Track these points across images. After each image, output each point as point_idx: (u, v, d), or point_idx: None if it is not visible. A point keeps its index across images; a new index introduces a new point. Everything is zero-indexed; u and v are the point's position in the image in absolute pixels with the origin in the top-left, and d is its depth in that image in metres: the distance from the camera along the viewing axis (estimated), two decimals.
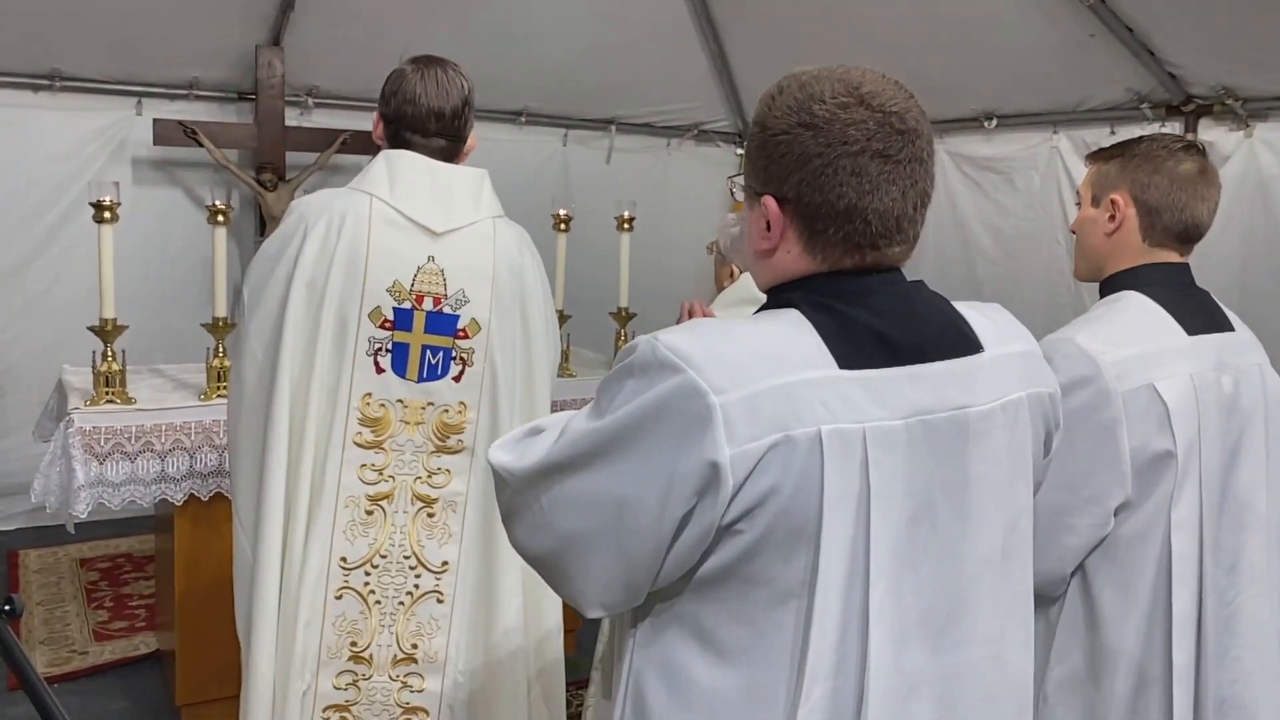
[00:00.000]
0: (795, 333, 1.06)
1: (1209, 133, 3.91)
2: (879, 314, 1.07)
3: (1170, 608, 1.58)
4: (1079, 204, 1.81)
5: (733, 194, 1.19)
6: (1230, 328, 1.73)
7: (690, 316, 1.58)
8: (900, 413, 1.05)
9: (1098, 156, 1.78)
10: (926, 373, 1.08)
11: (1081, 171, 4.33)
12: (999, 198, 4.60)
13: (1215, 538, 1.63)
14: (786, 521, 1.01)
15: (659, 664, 1.10)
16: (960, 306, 1.17)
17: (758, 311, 1.14)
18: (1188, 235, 1.71)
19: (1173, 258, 1.72)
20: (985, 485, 1.11)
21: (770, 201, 1.09)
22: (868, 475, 1.03)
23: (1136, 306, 1.67)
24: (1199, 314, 1.70)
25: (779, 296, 1.12)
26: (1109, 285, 1.74)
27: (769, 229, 1.10)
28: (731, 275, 2.32)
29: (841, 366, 1.03)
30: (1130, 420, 1.56)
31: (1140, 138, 1.76)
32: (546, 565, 1.15)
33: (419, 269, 2.00)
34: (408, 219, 1.99)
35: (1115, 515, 1.59)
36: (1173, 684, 1.58)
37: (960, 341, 1.12)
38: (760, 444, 0.99)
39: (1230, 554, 1.65)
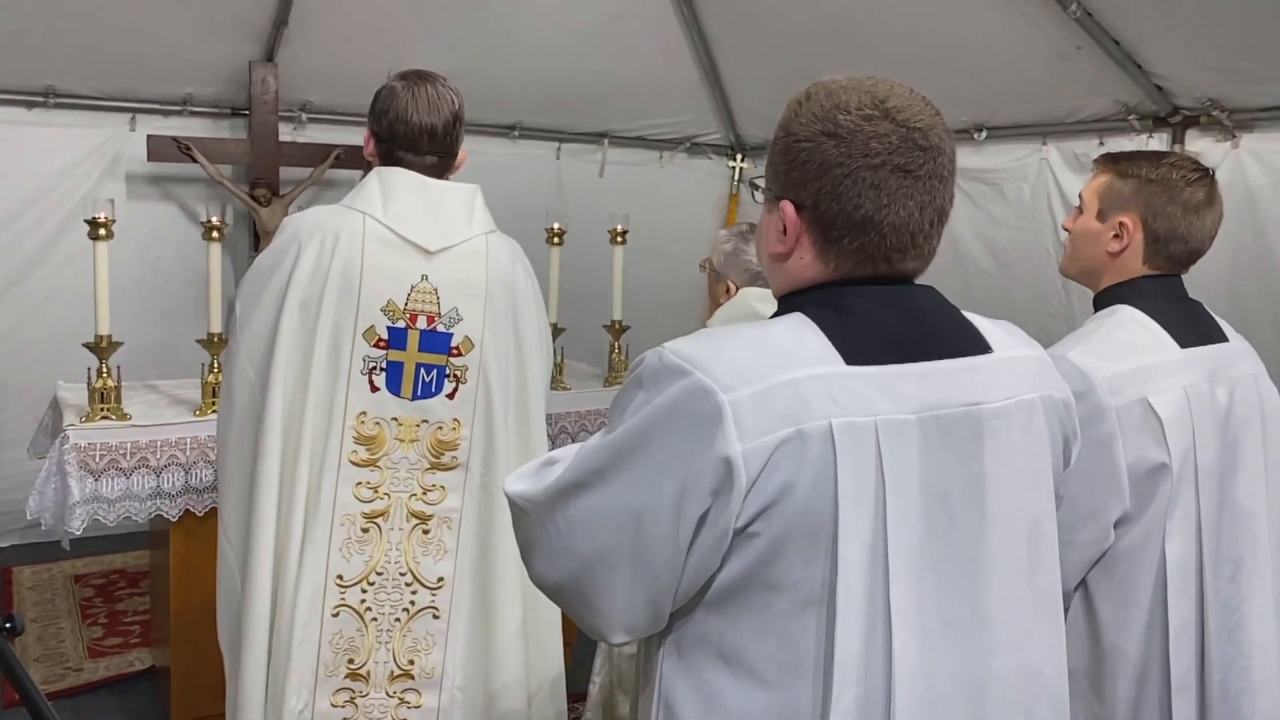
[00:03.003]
0: (800, 332, 1.07)
1: (1196, 144, 3.94)
2: (884, 313, 1.09)
3: (1166, 616, 1.59)
4: (1080, 208, 1.80)
5: (752, 195, 1.21)
6: (1224, 339, 1.75)
7: None
8: (911, 407, 1.05)
9: (1110, 167, 1.77)
10: (935, 369, 1.08)
11: (1071, 182, 4.36)
12: (990, 208, 4.62)
13: (1215, 548, 1.63)
14: (803, 521, 1.00)
15: (689, 687, 1.09)
16: (968, 314, 1.18)
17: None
18: (1188, 260, 1.74)
19: (1166, 271, 1.75)
20: (1003, 484, 1.11)
21: (788, 206, 1.10)
22: (882, 469, 1.02)
23: (1129, 321, 1.69)
24: (1192, 326, 1.72)
25: (787, 303, 1.14)
26: (1103, 299, 1.76)
27: (785, 233, 1.11)
28: (727, 291, 2.33)
29: (848, 363, 1.04)
30: (1125, 434, 1.57)
31: (1156, 157, 1.75)
32: (568, 593, 1.14)
33: (413, 288, 2.02)
34: (401, 238, 2.00)
35: (1115, 529, 1.60)
36: (1171, 693, 1.59)
37: (968, 342, 1.13)
38: (771, 439, 0.99)
39: (1232, 563, 1.66)
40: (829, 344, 1.05)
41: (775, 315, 1.14)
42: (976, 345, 1.13)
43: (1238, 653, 1.64)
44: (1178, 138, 3.98)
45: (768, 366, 1.02)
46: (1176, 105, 3.96)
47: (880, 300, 1.09)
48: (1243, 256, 3.77)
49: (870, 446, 1.02)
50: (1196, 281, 3.87)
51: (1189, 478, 1.61)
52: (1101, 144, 4.15)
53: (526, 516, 1.17)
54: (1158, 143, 4.01)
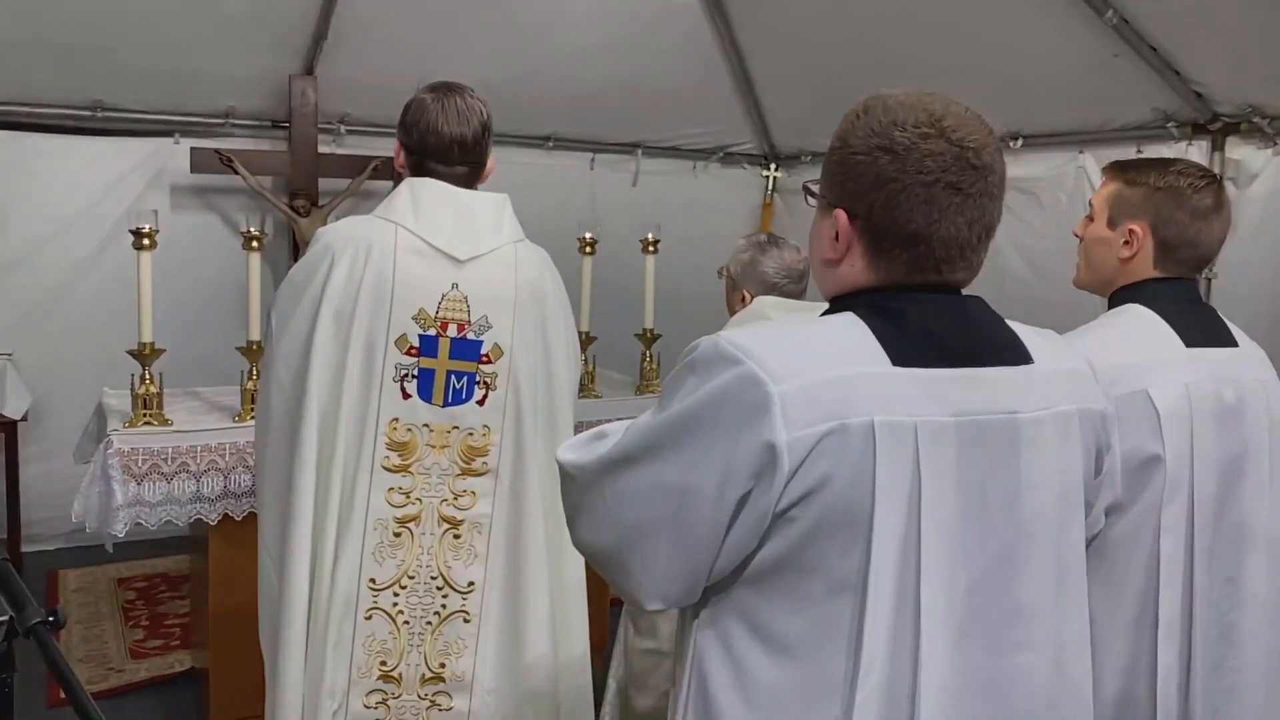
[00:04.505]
0: (851, 331, 1.11)
1: (1236, 151, 3.89)
2: (932, 318, 1.13)
3: (1157, 610, 1.62)
4: (1090, 215, 1.83)
5: (805, 199, 1.25)
6: (1233, 343, 1.76)
7: None
8: (951, 410, 1.10)
9: (1118, 175, 1.81)
10: (978, 376, 1.13)
11: None
12: (1027, 218, 4.58)
13: (1210, 547, 1.65)
14: (840, 511, 1.05)
15: (721, 656, 1.13)
16: (1013, 324, 1.22)
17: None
18: (1198, 265, 1.77)
19: (1177, 275, 1.77)
20: (1038, 492, 1.15)
21: (841, 215, 1.15)
22: (919, 469, 1.07)
23: (1136, 318, 1.72)
24: (1201, 329, 1.73)
25: (839, 304, 1.18)
26: (1115, 299, 1.80)
27: (837, 239, 1.16)
28: (743, 300, 2.35)
29: (895, 364, 1.09)
30: (1123, 424, 1.56)
31: (1163, 165, 1.78)
32: (608, 559, 1.20)
33: (443, 297, 2.05)
34: (432, 247, 2.04)
35: (1106, 516, 1.61)
36: (1157, 685, 1.61)
37: (1011, 351, 1.18)
38: (816, 430, 1.04)
39: (1230, 565, 1.67)
40: (878, 345, 1.09)
41: (826, 314, 1.19)
42: (1019, 355, 1.17)
43: (1228, 652, 1.66)
44: (1217, 145, 3.93)
45: (818, 362, 1.07)
46: (1216, 112, 3.91)
47: (929, 306, 1.14)
48: None
49: (909, 445, 1.06)
50: (1239, 288, 3.81)
51: (1185, 474, 1.63)
52: (1139, 152, 4.10)
53: (575, 484, 1.23)
54: (1197, 150, 3.95)
